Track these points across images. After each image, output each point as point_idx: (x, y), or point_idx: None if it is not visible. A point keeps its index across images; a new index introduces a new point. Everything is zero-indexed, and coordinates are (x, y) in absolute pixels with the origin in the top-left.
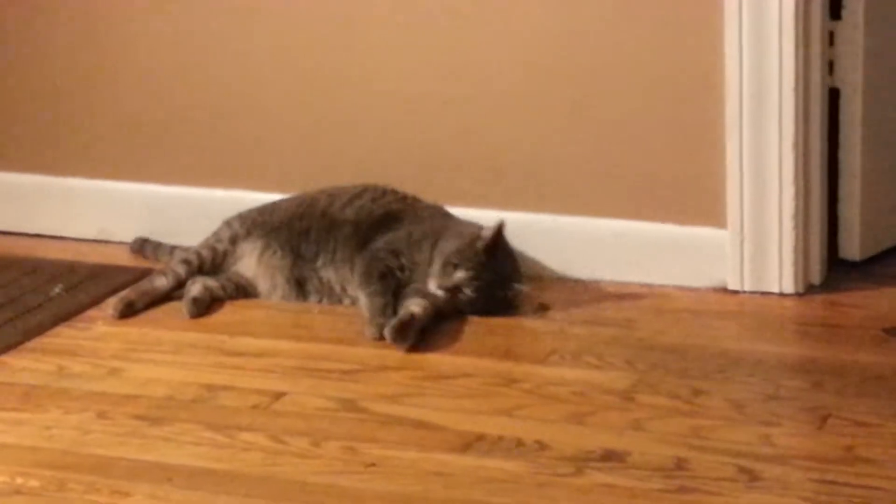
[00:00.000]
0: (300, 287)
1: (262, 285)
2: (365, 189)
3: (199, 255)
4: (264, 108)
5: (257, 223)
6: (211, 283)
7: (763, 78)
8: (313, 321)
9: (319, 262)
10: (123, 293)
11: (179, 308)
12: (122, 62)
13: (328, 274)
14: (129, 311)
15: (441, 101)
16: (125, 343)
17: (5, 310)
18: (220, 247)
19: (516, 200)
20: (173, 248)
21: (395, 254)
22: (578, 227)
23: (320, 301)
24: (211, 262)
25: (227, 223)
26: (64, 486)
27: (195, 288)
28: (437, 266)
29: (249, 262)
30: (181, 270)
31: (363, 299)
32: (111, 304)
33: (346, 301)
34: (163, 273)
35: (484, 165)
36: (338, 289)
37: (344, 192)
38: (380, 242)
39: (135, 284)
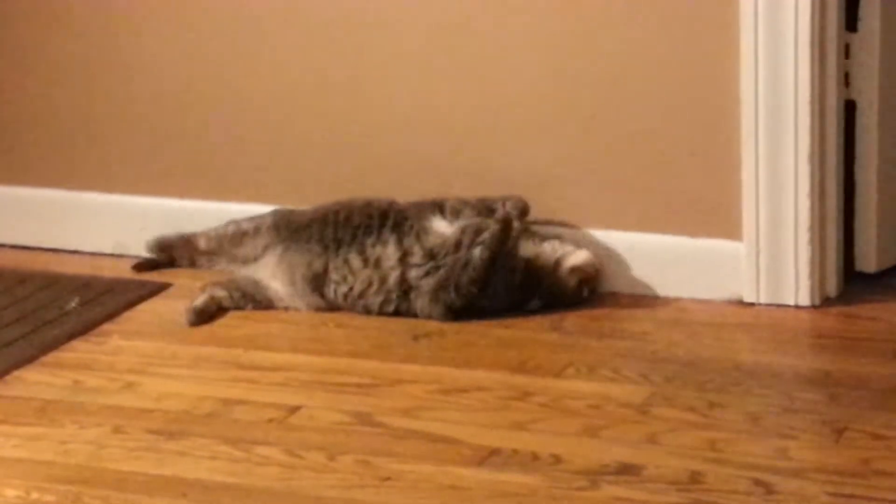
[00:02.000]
0: (317, 287)
1: (279, 285)
2: (393, 201)
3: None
4: (281, 123)
5: (281, 220)
6: (219, 292)
7: (779, 90)
8: (329, 335)
9: (370, 241)
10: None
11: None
12: (138, 78)
13: (380, 250)
14: (199, 320)
15: (455, 113)
16: (140, 357)
17: (21, 324)
18: (246, 225)
19: (531, 212)
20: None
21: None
22: (593, 240)
23: (348, 292)
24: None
25: (251, 218)
26: (79, 500)
27: (200, 298)
28: None
29: (268, 262)
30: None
31: (494, 233)
32: (183, 313)
33: (394, 275)
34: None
35: (498, 177)
36: (391, 262)
37: (374, 201)
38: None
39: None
